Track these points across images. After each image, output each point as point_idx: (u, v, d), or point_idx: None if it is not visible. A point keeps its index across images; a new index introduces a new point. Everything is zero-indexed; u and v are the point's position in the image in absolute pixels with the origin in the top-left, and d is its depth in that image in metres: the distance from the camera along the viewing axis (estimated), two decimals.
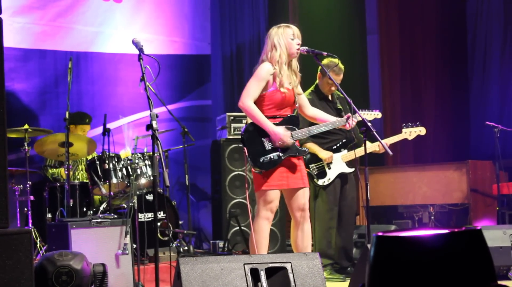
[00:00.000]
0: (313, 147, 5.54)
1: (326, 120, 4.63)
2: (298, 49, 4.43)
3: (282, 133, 4.35)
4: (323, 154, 5.53)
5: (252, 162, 4.38)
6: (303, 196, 4.49)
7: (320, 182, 5.56)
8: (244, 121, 6.84)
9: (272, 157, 4.36)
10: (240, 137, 4.67)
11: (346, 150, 5.61)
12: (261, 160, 4.37)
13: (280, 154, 4.37)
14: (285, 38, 4.43)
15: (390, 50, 9.08)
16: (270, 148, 4.38)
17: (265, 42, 4.54)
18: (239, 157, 6.90)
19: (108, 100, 7.70)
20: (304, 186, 4.48)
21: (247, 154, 4.40)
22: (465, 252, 1.98)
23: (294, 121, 4.48)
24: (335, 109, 5.65)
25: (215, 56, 8.59)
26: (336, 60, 5.00)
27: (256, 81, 4.42)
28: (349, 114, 4.55)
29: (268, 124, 4.36)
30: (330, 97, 5.69)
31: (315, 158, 5.57)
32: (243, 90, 4.47)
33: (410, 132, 5.56)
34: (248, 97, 4.39)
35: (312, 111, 4.70)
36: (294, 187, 4.45)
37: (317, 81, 5.69)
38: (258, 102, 4.44)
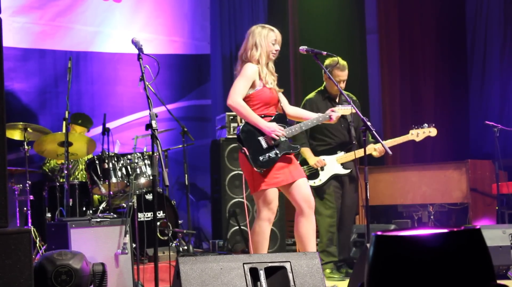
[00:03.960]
0: (305, 152, 5.54)
1: (308, 117, 4.65)
2: (274, 54, 4.51)
3: (275, 125, 4.39)
4: (311, 161, 5.54)
5: (253, 162, 4.38)
6: (306, 186, 4.49)
7: (310, 182, 5.54)
8: (243, 121, 6.83)
9: (270, 156, 4.39)
10: (236, 137, 4.69)
11: (343, 152, 5.59)
12: (261, 159, 4.38)
13: (277, 152, 4.39)
14: (267, 41, 4.50)
15: (389, 49, 9.07)
16: (267, 146, 4.40)
17: (246, 38, 4.58)
18: (238, 157, 6.89)
19: (108, 100, 7.70)
20: (303, 177, 4.49)
21: (247, 154, 4.40)
22: (464, 251, 1.98)
23: (283, 119, 4.53)
24: None
25: (215, 55, 8.58)
26: (336, 59, 5.05)
27: (243, 79, 4.43)
28: (333, 108, 4.66)
29: (259, 120, 4.39)
30: (337, 99, 5.65)
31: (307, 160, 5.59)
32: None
33: (418, 133, 5.45)
34: (237, 95, 4.40)
35: (292, 110, 4.73)
36: (293, 181, 4.44)
37: (325, 82, 5.66)
38: (246, 103, 4.45)
